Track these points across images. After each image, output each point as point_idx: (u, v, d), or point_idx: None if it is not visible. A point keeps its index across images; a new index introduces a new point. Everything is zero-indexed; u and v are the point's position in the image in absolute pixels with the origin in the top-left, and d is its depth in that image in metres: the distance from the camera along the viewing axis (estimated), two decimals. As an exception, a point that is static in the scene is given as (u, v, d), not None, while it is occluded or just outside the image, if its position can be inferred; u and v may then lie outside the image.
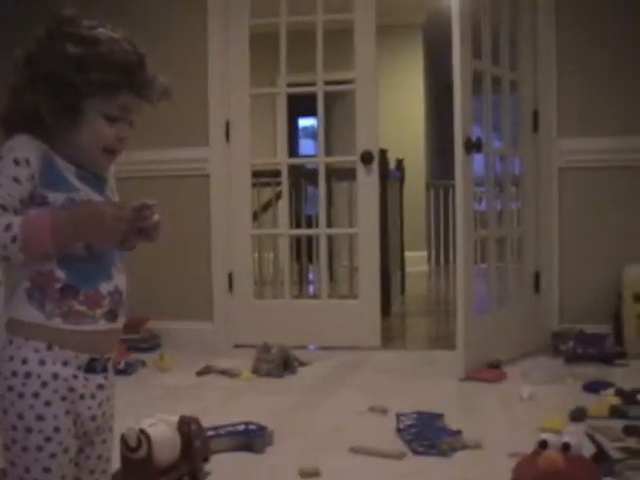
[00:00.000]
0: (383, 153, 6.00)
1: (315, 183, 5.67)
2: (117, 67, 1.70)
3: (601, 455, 2.75)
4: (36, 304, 1.67)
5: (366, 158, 5.15)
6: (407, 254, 8.27)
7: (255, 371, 4.47)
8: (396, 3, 8.59)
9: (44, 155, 1.70)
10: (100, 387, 1.75)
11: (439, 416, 3.44)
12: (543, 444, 2.51)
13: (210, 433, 3.09)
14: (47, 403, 1.65)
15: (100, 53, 1.70)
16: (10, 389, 1.66)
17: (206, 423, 3.03)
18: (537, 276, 5.07)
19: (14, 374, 1.66)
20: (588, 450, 2.74)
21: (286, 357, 4.52)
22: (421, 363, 4.77)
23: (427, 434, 3.20)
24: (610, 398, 3.62)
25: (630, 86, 4.99)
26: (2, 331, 1.70)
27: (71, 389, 1.69)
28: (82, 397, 1.71)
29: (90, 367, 1.72)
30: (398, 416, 3.41)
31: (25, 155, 1.67)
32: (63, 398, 1.67)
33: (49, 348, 1.66)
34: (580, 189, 5.05)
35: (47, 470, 1.66)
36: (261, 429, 3.21)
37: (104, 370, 1.76)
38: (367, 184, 5.22)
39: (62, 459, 1.69)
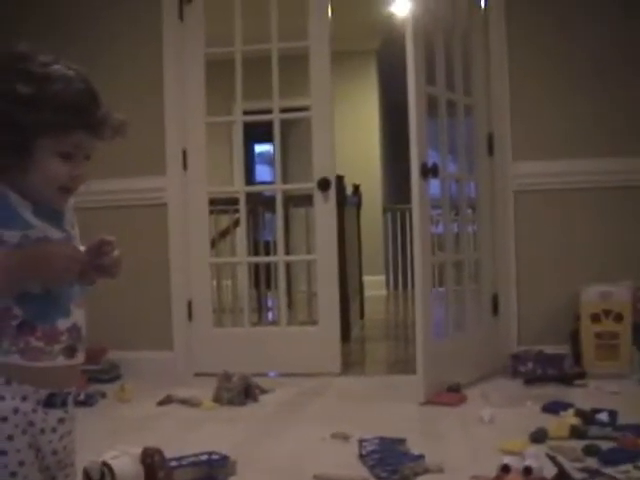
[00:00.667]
0: (340, 179, 6.02)
1: (272, 210, 5.69)
2: (70, 106, 1.66)
3: (562, 476, 2.77)
4: None
5: (323, 185, 5.17)
6: (365, 278, 8.29)
7: (216, 400, 4.45)
8: (350, 30, 8.65)
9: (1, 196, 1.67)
10: (61, 421, 1.72)
11: (401, 441, 3.45)
12: (505, 468, 2.53)
13: (173, 464, 3.07)
14: (9, 437, 1.63)
15: (53, 92, 1.65)
16: None
17: (168, 453, 3.02)
18: (495, 298, 5.11)
19: None
20: (549, 471, 2.76)
21: (247, 385, 4.51)
22: (381, 388, 4.78)
23: (389, 459, 3.20)
24: (570, 418, 3.65)
25: (582, 110, 5.08)
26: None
27: (31, 423, 1.66)
28: (42, 431, 1.68)
29: (49, 402, 1.69)
30: (360, 442, 3.41)
31: None
32: (24, 432, 1.65)
33: (8, 383, 1.64)
34: (535, 212, 5.12)
35: None
36: (224, 459, 3.20)
37: (64, 404, 1.73)
38: (325, 211, 5.23)
39: None
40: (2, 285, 1.62)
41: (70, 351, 1.72)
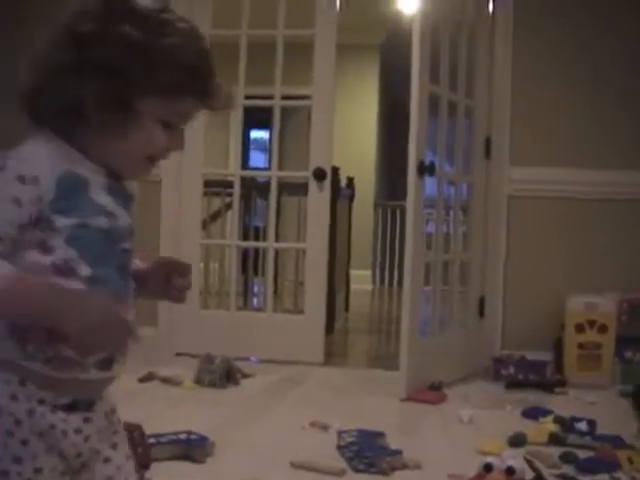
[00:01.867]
0: (335, 170, 6.02)
1: (265, 196, 5.68)
2: (187, 67, 1.42)
3: (539, 481, 2.79)
4: (16, 340, 1.39)
5: (318, 174, 5.17)
6: (352, 272, 8.30)
7: (198, 381, 4.45)
8: (357, 22, 8.64)
9: (64, 174, 1.40)
10: (87, 420, 1.46)
11: (380, 435, 3.46)
12: (488, 467, 2.54)
13: (151, 441, 3.07)
14: (24, 442, 1.39)
15: (168, 46, 1.40)
16: None
17: (147, 430, 3.02)
18: (481, 301, 5.13)
19: None
20: (527, 475, 2.78)
21: (229, 368, 4.51)
22: (363, 381, 4.79)
23: (367, 452, 3.21)
24: (549, 425, 3.68)
25: (583, 120, 5.10)
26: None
27: (51, 426, 1.41)
28: (64, 434, 1.43)
29: (71, 407, 1.44)
30: (339, 433, 3.43)
31: (34, 173, 1.36)
32: (41, 435, 1.40)
33: (22, 384, 1.40)
34: (528, 218, 5.13)
35: None
36: (202, 439, 3.21)
37: (90, 406, 1.48)
38: (318, 200, 5.23)
39: None
40: (24, 317, 1.37)
41: (107, 363, 1.46)
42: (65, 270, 1.40)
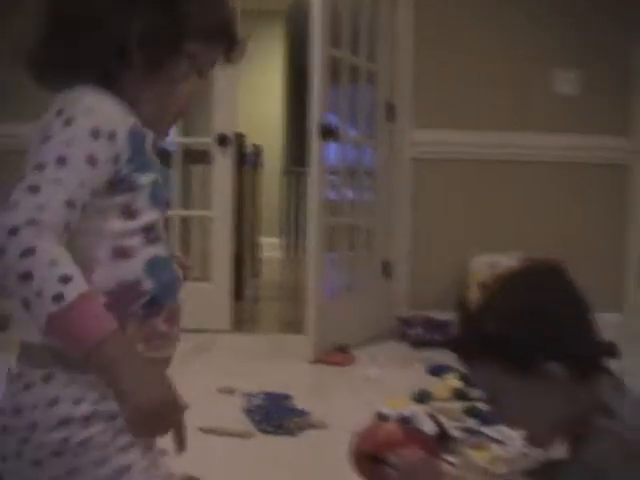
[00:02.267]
0: (240, 137, 5.98)
1: (170, 164, 5.61)
2: (225, 14, 1.37)
3: (443, 434, 2.84)
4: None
5: (222, 140, 5.13)
6: (263, 240, 8.29)
7: (104, 351, 4.39)
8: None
9: (133, 127, 1.26)
10: None
11: (287, 397, 3.49)
12: (382, 417, 2.57)
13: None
14: (130, 444, 1.30)
15: None
16: (66, 441, 1.23)
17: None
18: (388, 264, 5.17)
19: (65, 422, 1.23)
20: (431, 430, 2.82)
21: (136, 338, 4.47)
22: (272, 346, 4.80)
23: (275, 414, 3.23)
24: (453, 381, 3.73)
25: (484, 82, 5.15)
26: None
27: (131, 443, 1.33)
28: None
29: None
30: (247, 396, 3.43)
31: (111, 126, 1.21)
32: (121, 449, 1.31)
33: (103, 398, 1.27)
34: (432, 180, 5.18)
35: None
36: (108, 408, 3.17)
37: None
38: (222, 167, 5.20)
39: None
40: (82, 343, 1.17)
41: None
42: (152, 236, 1.28)
